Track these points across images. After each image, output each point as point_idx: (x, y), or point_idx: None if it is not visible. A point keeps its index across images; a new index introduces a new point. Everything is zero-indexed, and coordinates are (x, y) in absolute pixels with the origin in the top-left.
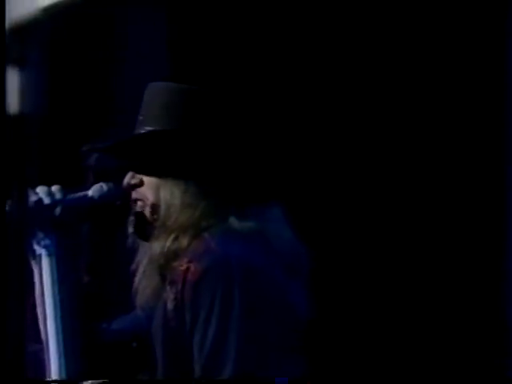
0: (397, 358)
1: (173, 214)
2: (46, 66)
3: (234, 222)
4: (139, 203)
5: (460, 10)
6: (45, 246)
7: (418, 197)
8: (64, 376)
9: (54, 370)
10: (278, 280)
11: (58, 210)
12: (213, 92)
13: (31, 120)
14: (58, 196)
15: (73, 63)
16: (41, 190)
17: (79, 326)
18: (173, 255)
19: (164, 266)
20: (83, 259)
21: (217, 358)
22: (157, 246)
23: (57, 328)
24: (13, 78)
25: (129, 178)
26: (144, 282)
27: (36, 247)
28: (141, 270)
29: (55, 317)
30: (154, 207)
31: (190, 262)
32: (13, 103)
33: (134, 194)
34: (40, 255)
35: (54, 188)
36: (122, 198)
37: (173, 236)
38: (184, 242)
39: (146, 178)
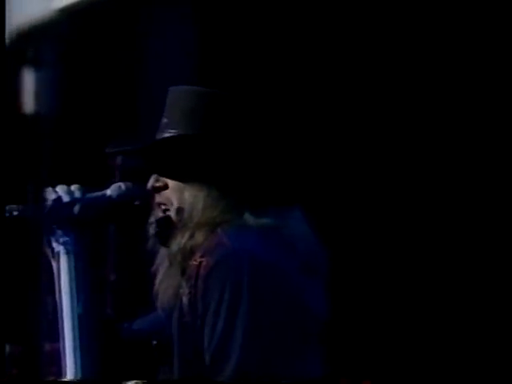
0: (417, 360)
1: (195, 215)
2: (67, 66)
3: (248, 218)
4: (162, 207)
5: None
6: (63, 244)
7: (437, 197)
8: (79, 374)
9: (69, 368)
10: (292, 277)
11: (76, 209)
12: (234, 96)
13: (50, 120)
14: (77, 195)
15: (93, 63)
16: (60, 189)
17: (96, 323)
18: (189, 252)
19: (182, 264)
20: (102, 258)
21: (223, 351)
22: (174, 245)
23: (73, 326)
24: (31, 78)
25: (153, 181)
26: (165, 282)
27: (54, 245)
28: (162, 271)
29: (72, 314)
30: (178, 210)
31: (202, 256)
32: (32, 102)
33: (158, 197)
34: (58, 253)
35: (74, 187)
36: (140, 198)
37: (189, 233)
38: (200, 238)
39: (170, 182)
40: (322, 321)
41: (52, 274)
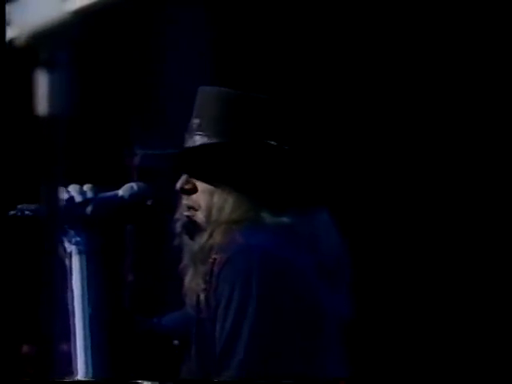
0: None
1: (222, 217)
2: (83, 66)
3: (266, 216)
4: (189, 209)
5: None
6: (75, 244)
7: (456, 202)
8: (90, 374)
9: (80, 368)
10: (306, 275)
11: (89, 209)
12: (262, 98)
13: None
14: (90, 194)
15: (109, 63)
16: (73, 189)
17: (108, 323)
18: (208, 251)
19: (203, 262)
20: (115, 257)
21: (231, 347)
22: (196, 245)
23: (84, 325)
24: (47, 77)
25: (182, 183)
26: (192, 282)
27: (67, 245)
28: (189, 270)
29: (83, 314)
30: (205, 212)
31: (217, 253)
32: (45, 102)
33: (185, 199)
34: (70, 253)
35: (86, 186)
36: (152, 199)
37: (209, 233)
38: (218, 237)
39: (200, 184)
40: (338, 322)
41: (65, 273)
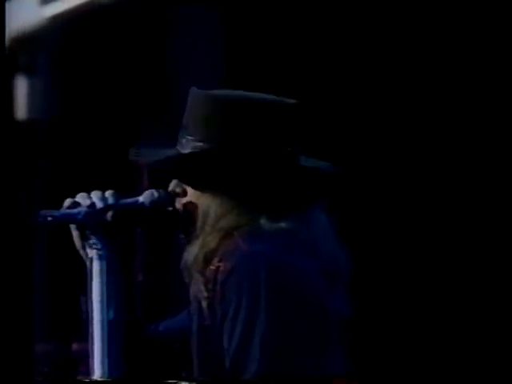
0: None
1: (209, 223)
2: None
3: (265, 222)
4: (183, 213)
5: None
6: (96, 249)
7: (454, 203)
8: (107, 375)
9: (97, 370)
10: (310, 280)
11: (109, 215)
12: (253, 102)
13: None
14: (111, 201)
15: (121, 69)
16: (94, 195)
17: (126, 328)
18: (204, 259)
19: (203, 268)
20: (134, 263)
21: (243, 355)
22: (190, 255)
23: (102, 328)
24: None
25: (173, 186)
26: (192, 287)
27: (88, 250)
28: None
29: (101, 317)
30: (196, 217)
31: (220, 261)
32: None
33: (178, 204)
34: (91, 258)
35: (108, 193)
36: (173, 205)
37: (201, 242)
38: (212, 244)
39: (189, 189)
40: (342, 324)
41: (85, 277)
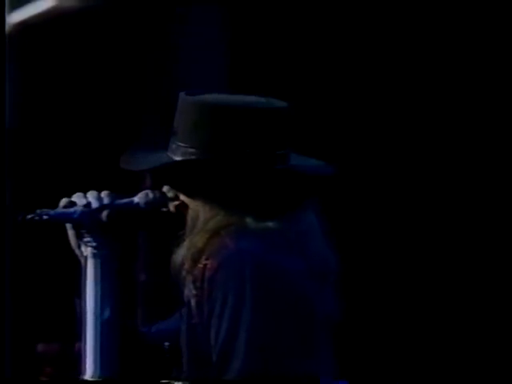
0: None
1: (199, 226)
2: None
3: (252, 221)
4: (175, 212)
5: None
6: (91, 249)
7: (448, 204)
8: (98, 374)
9: (89, 369)
10: (297, 279)
11: (104, 215)
12: (242, 106)
13: (81, 126)
14: (106, 201)
15: (123, 73)
16: (90, 195)
17: (120, 328)
18: (195, 256)
19: (192, 267)
20: (132, 263)
21: (228, 352)
22: (181, 252)
23: (95, 327)
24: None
25: (165, 190)
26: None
27: (83, 249)
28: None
29: (95, 317)
30: (185, 220)
31: (207, 259)
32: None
33: (171, 207)
34: (86, 257)
35: (103, 193)
36: (167, 206)
37: (187, 242)
38: (199, 244)
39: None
40: (330, 324)
41: (79, 276)
